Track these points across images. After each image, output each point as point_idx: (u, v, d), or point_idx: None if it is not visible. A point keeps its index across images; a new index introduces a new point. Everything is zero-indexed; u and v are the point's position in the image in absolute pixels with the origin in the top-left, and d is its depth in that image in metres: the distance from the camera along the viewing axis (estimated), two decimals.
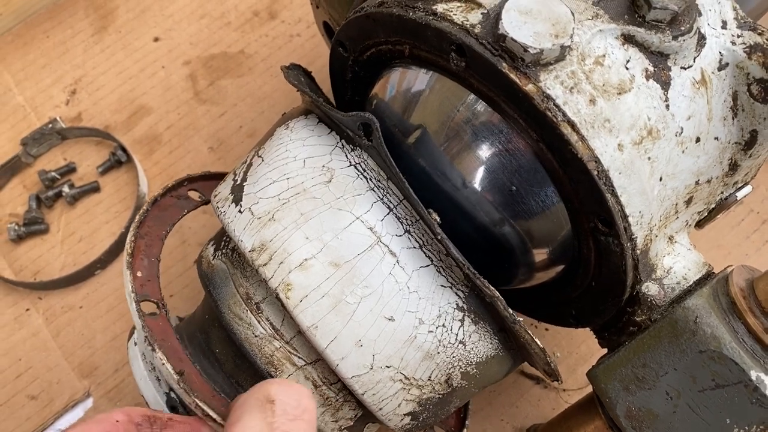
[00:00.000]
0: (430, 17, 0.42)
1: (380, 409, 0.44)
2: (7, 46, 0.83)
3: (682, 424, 0.44)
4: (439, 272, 0.43)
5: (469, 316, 0.44)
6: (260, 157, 0.48)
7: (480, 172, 0.45)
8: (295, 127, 0.48)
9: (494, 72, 0.40)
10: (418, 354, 0.43)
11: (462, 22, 0.41)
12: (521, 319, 0.42)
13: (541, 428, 0.59)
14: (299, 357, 0.46)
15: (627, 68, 0.42)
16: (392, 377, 0.43)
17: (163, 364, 0.44)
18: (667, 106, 0.43)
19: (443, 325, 0.43)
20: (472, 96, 0.44)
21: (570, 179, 0.41)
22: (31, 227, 0.74)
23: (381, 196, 0.43)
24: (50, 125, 0.77)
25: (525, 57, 0.39)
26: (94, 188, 0.76)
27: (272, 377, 0.45)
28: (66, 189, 0.75)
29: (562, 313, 0.52)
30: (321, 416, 0.47)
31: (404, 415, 0.45)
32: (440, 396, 0.46)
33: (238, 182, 0.48)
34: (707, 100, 0.44)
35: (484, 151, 0.45)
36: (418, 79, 0.48)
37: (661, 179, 0.43)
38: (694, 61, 0.44)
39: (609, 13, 0.42)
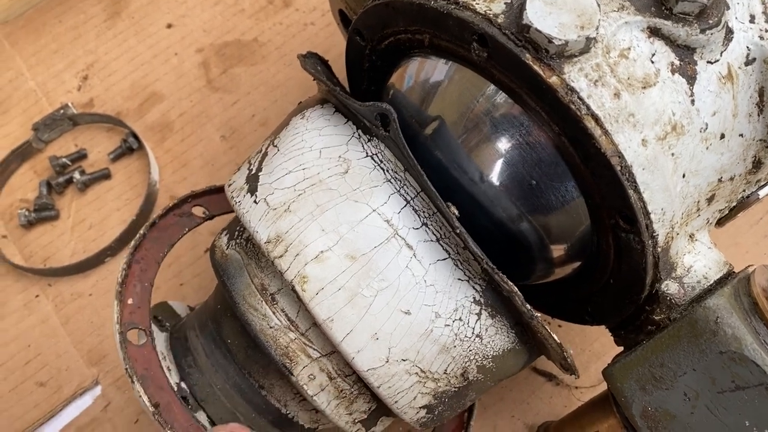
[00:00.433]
0: (452, 6, 0.41)
1: (396, 402, 0.44)
2: (20, 30, 0.83)
3: (700, 425, 0.43)
4: (457, 266, 0.43)
5: (486, 310, 0.43)
6: (276, 146, 0.48)
7: (498, 166, 0.44)
8: (311, 117, 0.48)
9: (517, 63, 0.39)
10: (435, 347, 0.43)
11: (485, 11, 0.40)
12: (539, 314, 0.42)
13: (553, 425, 0.58)
14: (314, 349, 0.45)
15: (652, 62, 0.41)
16: (408, 370, 0.43)
17: (140, 396, 0.45)
18: (693, 101, 0.42)
19: (460, 319, 0.43)
20: (493, 87, 0.43)
21: (592, 174, 0.40)
22: (42, 213, 0.73)
23: (398, 188, 0.43)
24: (62, 111, 0.77)
25: (549, 48, 0.38)
26: (105, 175, 0.75)
27: (287, 369, 0.45)
28: (77, 175, 0.74)
29: (578, 310, 0.51)
30: (335, 409, 0.47)
31: (420, 408, 0.45)
32: (456, 389, 0.45)
33: (254, 172, 0.47)
34: (733, 95, 0.43)
35: (504, 144, 0.44)
36: (437, 69, 0.47)
37: (684, 176, 0.42)
38: (721, 56, 0.43)
39: (635, 5, 0.41)
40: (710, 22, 0.41)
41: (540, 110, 0.41)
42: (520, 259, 0.48)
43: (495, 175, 0.45)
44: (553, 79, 0.38)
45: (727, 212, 0.49)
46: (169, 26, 0.82)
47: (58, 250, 0.72)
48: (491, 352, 0.44)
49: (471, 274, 0.43)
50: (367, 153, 0.44)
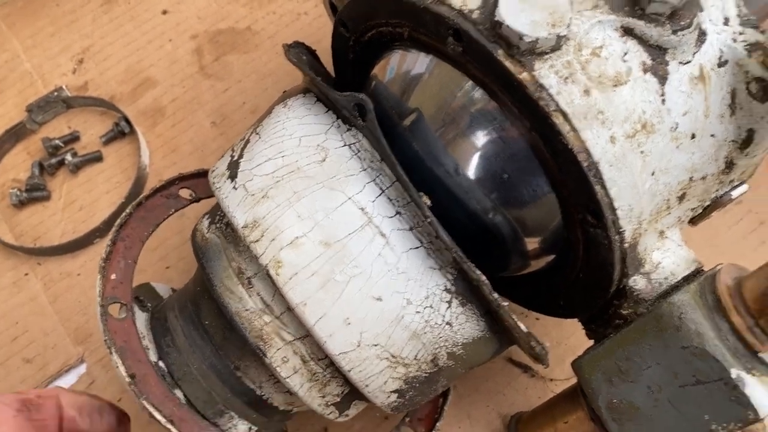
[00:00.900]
0: (429, 1, 0.42)
1: (367, 386, 0.45)
2: (18, 12, 0.84)
3: (662, 418, 0.44)
4: (429, 254, 0.43)
5: (456, 298, 0.44)
6: (258, 134, 0.49)
7: (473, 159, 0.45)
8: (293, 106, 0.48)
9: (490, 59, 0.40)
10: (405, 333, 0.44)
11: (460, 7, 0.41)
12: (507, 303, 0.43)
13: (525, 416, 0.59)
14: (288, 332, 0.46)
15: (624, 60, 0.41)
16: (379, 355, 0.44)
17: (117, 367, 0.46)
18: (663, 101, 0.42)
19: (431, 306, 0.44)
20: (470, 82, 0.44)
21: (560, 170, 0.41)
22: (33, 193, 0.74)
23: (374, 177, 0.44)
24: (56, 93, 0.78)
25: (520, 45, 0.39)
26: (97, 158, 0.76)
27: (261, 351, 0.46)
28: (69, 157, 0.75)
29: (552, 302, 0.52)
30: (308, 391, 0.48)
31: (390, 392, 0.46)
32: (427, 375, 0.46)
33: (235, 158, 0.48)
34: (705, 96, 0.44)
35: (479, 138, 0.45)
36: (417, 62, 0.48)
37: (653, 174, 0.43)
38: (693, 57, 0.43)
39: (609, 4, 0.42)
40: (682, 23, 0.42)
41: (512, 106, 0.41)
42: (495, 251, 0.49)
43: (470, 168, 0.45)
44: (523, 75, 0.39)
45: (700, 211, 0.50)
46: (165, 12, 0.83)
47: (48, 230, 0.73)
48: (461, 340, 0.45)
49: (443, 263, 0.44)
50: (345, 142, 0.45)
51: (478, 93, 0.44)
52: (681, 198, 0.46)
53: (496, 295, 0.42)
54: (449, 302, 0.44)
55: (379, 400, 0.46)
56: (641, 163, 0.42)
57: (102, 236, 0.73)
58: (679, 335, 0.42)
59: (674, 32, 0.42)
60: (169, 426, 0.45)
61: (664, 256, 0.46)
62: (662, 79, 0.42)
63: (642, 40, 0.42)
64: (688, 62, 0.43)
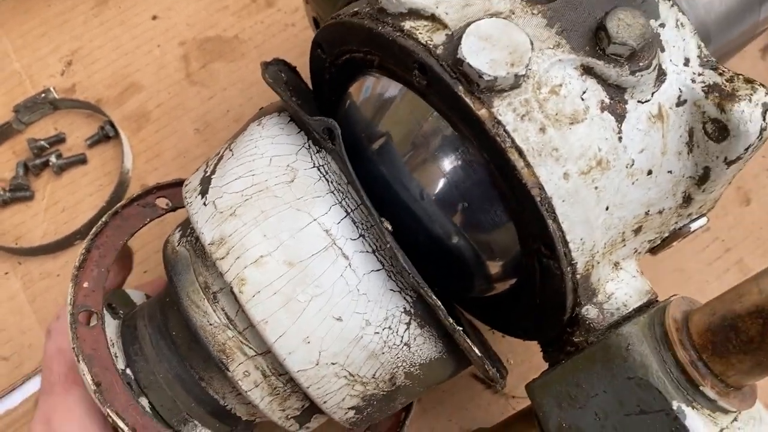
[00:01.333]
0: (397, 34, 0.43)
1: (325, 402, 0.46)
2: (8, 11, 0.85)
3: None
4: (390, 277, 0.45)
5: (415, 320, 0.45)
6: (231, 150, 0.50)
7: (437, 186, 0.47)
8: (266, 124, 0.50)
9: (451, 94, 0.41)
10: (364, 353, 0.45)
11: (426, 41, 0.42)
12: (461, 328, 0.44)
13: None
14: (250, 348, 0.47)
15: (582, 99, 0.43)
16: (337, 373, 0.45)
17: (84, 374, 0.47)
18: (620, 138, 0.44)
19: (389, 327, 0.45)
20: (435, 113, 0.45)
21: (516, 202, 0.43)
22: (17, 193, 0.76)
23: (340, 200, 0.45)
24: (43, 95, 0.79)
25: (480, 83, 0.40)
26: (81, 160, 0.78)
27: (224, 364, 0.48)
28: (53, 159, 0.77)
29: (514, 324, 0.54)
30: (269, 404, 0.49)
31: (348, 408, 0.47)
32: (384, 393, 0.47)
33: (208, 174, 0.50)
34: (663, 134, 0.45)
35: (443, 165, 0.46)
36: (388, 89, 0.49)
37: (607, 208, 0.44)
38: (652, 96, 0.45)
39: (571, 43, 0.43)
40: (641, 64, 0.43)
41: (472, 139, 0.43)
42: (458, 274, 0.51)
43: (433, 194, 0.47)
44: (482, 112, 0.40)
45: (658, 242, 0.52)
46: (155, 18, 0.84)
47: (29, 230, 0.75)
48: (419, 360, 0.47)
49: (402, 286, 0.45)
50: (314, 164, 0.46)
51: (442, 124, 0.45)
52: (637, 231, 0.48)
53: (451, 320, 0.43)
54: (408, 324, 0.45)
55: (337, 416, 0.48)
56: (595, 198, 0.43)
57: (83, 238, 0.74)
58: (626, 366, 0.44)
59: (632, 73, 0.43)
60: None
61: (617, 287, 0.48)
62: (620, 117, 0.44)
63: (601, 79, 0.43)
64: (647, 101, 0.45)
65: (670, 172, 0.47)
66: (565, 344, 0.48)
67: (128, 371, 0.51)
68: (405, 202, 0.47)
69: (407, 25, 0.44)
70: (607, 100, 0.43)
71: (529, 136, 0.41)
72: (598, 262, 0.46)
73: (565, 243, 0.42)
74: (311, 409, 0.50)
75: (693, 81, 0.46)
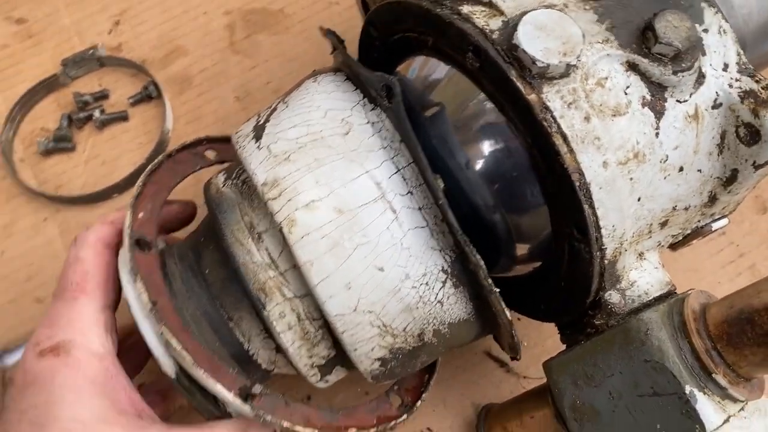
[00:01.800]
0: (455, 16, 0.46)
1: (355, 349, 0.48)
2: None
3: (619, 422, 0.48)
4: (432, 235, 0.46)
5: (451, 279, 0.47)
6: (285, 103, 0.52)
7: (483, 159, 0.49)
8: (322, 81, 0.52)
9: (503, 77, 0.44)
10: (399, 305, 0.47)
11: (483, 26, 0.45)
12: (498, 290, 0.46)
13: (496, 407, 0.63)
14: (289, 289, 0.49)
15: (626, 93, 0.45)
16: (372, 322, 0.47)
17: (140, 294, 0.48)
18: (657, 134, 0.46)
19: (426, 284, 0.47)
20: (483, 95, 0.48)
21: (555, 185, 0.45)
22: (59, 144, 0.78)
23: (392, 156, 0.46)
24: (91, 51, 0.81)
25: (532, 68, 0.42)
26: (123, 117, 0.80)
27: (261, 303, 0.49)
28: (97, 113, 0.79)
29: (534, 305, 0.56)
30: (298, 349, 0.50)
31: (375, 359, 0.49)
32: (411, 348, 0.49)
33: (261, 123, 0.51)
34: (696, 134, 0.48)
35: (488, 144, 0.48)
36: (439, 69, 0.51)
37: (639, 199, 0.47)
38: (690, 97, 0.47)
39: (619, 39, 0.46)
40: (683, 65, 0.45)
41: (518, 122, 0.45)
42: (489, 248, 0.53)
43: (478, 166, 0.49)
44: (532, 96, 0.43)
45: (680, 238, 0.54)
46: None
47: (70, 180, 0.77)
48: (448, 319, 0.49)
49: (444, 245, 0.47)
50: (368, 120, 0.48)
51: (489, 105, 0.47)
52: (663, 224, 0.50)
53: (490, 280, 0.45)
54: (444, 282, 0.47)
55: (363, 365, 0.49)
56: (629, 188, 0.46)
57: (120, 192, 0.77)
58: (643, 349, 0.46)
59: (675, 73, 0.45)
60: (184, 354, 0.47)
61: (640, 276, 0.50)
62: (659, 114, 0.46)
63: (645, 77, 0.46)
64: (685, 101, 0.47)
65: (699, 170, 0.49)
66: (585, 326, 0.51)
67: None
68: (450, 169, 0.49)
69: (465, 9, 0.46)
70: (648, 97, 0.46)
71: (574, 123, 0.43)
72: (626, 250, 0.48)
73: (598, 228, 0.45)
74: (336, 359, 0.52)
75: (730, 86, 0.48)
